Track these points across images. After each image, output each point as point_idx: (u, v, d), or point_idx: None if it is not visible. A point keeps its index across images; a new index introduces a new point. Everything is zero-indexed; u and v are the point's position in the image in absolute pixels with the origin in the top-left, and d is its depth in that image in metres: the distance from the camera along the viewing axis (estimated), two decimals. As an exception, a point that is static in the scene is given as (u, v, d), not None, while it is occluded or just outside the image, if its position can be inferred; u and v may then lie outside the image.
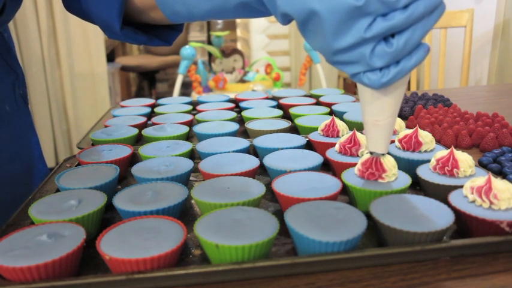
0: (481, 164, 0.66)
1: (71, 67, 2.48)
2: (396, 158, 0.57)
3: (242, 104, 0.95)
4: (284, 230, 0.45)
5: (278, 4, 0.38)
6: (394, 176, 0.52)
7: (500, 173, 0.63)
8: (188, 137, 0.81)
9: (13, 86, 0.68)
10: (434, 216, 0.43)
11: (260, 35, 2.88)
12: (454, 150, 0.54)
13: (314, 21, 0.37)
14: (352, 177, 0.53)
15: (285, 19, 0.40)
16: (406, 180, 0.52)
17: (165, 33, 0.59)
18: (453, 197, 0.47)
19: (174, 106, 0.98)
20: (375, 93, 0.40)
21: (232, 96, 1.06)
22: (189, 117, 0.87)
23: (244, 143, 0.69)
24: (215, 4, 0.44)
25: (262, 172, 0.65)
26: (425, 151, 0.61)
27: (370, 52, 0.36)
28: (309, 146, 0.69)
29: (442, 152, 0.55)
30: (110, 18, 0.52)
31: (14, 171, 0.67)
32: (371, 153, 0.45)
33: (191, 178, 0.64)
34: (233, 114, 0.88)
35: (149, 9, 0.52)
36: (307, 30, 0.39)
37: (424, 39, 0.38)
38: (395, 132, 0.69)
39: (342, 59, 0.38)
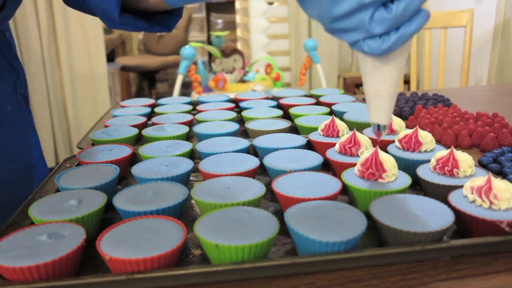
0: (481, 164, 0.66)
1: (71, 67, 2.48)
2: (396, 158, 0.57)
3: (242, 104, 0.95)
4: (284, 230, 0.45)
5: None
6: (394, 176, 0.52)
7: (500, 173, 0.63)
8: (188, 137, 0.81)
9: (14, 85, 0.68)
10: (434, 216, 0.43)
11: (260, 35, 2.88)
12: (454, 150, 0.54)
13: None
14: (352, 177, 0.53)
15: None
16: (406, 180, 0.52)
17: (164, 20, 0.59)
18: (453, 197, 0.47)
19: (174, 106, 0.98)
20: (376, 62, 0.40)
21: (232, 96, 1.06)
22: (189, 117, 0.87)
23: (244, 143, 0.69)
24: None
25: (262, 172, 0.65)
26: (425, 151, 0.61)
27: (369, 18, 0.36)
28: (309, 146, 0.69)
29: (442, 152, 0.55)
30: (109, 6, 0.52)
31: (14, 172, 0.67)
32: (374, 125, 0.44)
33: (191, 178, 0.64)
34: (233, 114, 0.88)
35: None
36: (307, 2, 0.38)
37: (423, 4, 0.37)
38: (395, 132, 0.69)
39: (341, 26, 0.37)
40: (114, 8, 0.52)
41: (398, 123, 0.70)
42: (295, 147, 0.65)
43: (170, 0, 0.50)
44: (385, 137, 0.68)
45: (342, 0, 0.36)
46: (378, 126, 0.45)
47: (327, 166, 0.63)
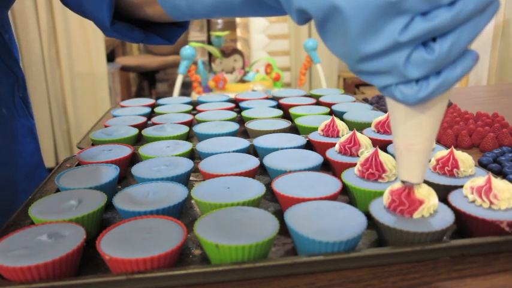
0: (481, 164, 0.66)
1: (71, 67, 2.48)
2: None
3: (242, 104, 0.95)
4: (284, 230, 0.45)
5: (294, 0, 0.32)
6: (394, 176, 0.52)
7: (500, 173, 0.63)
8: (188, 137, 0.81)
9: (12, 89, 0.66)
10: (434, 216, 0.43)
11: (260, 35, 2.88)
12: (454, 150, 0.54)
13: (336, 19, 0.30)
14: (352, 177, 0.53)
15: (301, 17, 0.33)
16: (406, 180, 0.52)
17: (166, 31, 0.54)
18: (453, 197, 0.47)
19: (174, 106, 0.98)
20: (410, 111, 0.34)
21: (232, 96, 1.06)
22: (189, 117, 0.87)
23: (244, 143, 0.69)
24: None
25: (262, 172, 0.65)
26: (425, 151, 0.61)
27: (405, 60, 0.30)
28: (309, 146, 0.69)
29: (442, 152, 0.55)
30: (100, 13, 0.48)
31: (10, 177, 0.66)
32: (403, 182, 0.38)
33: (191, 178, 0.64)
34: (233, 114, 0.88)
35: (146, 3, 0.49)
36: (327, 30, 0.32)
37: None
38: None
39: (369, 68, 0.31)
40: (105, 15, 0.48)
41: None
42: (295, 147, 0.65)
43: (172, 13, 0.46)
44: (385, 137, 0.68)
45: (373, 37, 0.30)
46: (409, 184, 0.38)
47: (327, 166, 0.63)
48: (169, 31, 0.54)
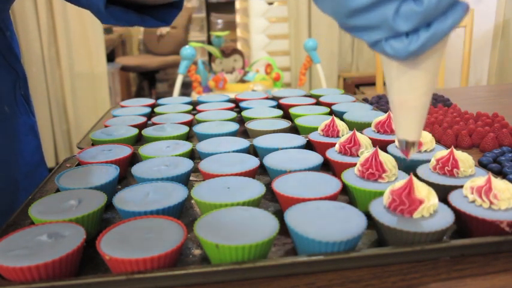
0: (481, 164, 0.66)
1: (71, 67, 2.48)
2: (396, 158, 0.57)
3: (242, 104, 0.95)
4: (284, 230, 0.45)
5: None
6: (394, 176, 0.52)
7: (500, 173, 0.63)
8: (188, 137, 0.81)
9: (14, 86, 0.66)
10: (434, 216, 0.43)
11: (260, 35, 2.88)
12: (454, 150, 0.54)
13: None
14: (352, 177, 0.53)
15: None
16: (406, 180, 0.52)
17: (160, 13, 0.53)
18: (453, 197, 0.47)
19: (174, 106, 0.98)
20: (403, 67, 0.33)
21: (232, 96, 1.06)
22: (189, 117, 0.87)
23: (244, 143, 0.69)
24: None
25: (262, 172, 0.65)
26: (425, 151, 0.61)
27: (394, 12, 0.29)
28: (309, 146, 0.69)
29: (442, 152, 0.55)
30: None
31: (11, 176, 0.66)
32: (400, 141, 0.37)
33: (191, 178, 0.64)
34: (233, 114, 0.87)
35: None
36: None
37: None
38: (395, 132, 0.69)
39: (359, 23, 0.31)
40: None
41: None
42: (295, 147, 0.65)
43: None
44: (385, 137, 0.68)
45: None
46: (406, 143, 0.37)
47: (327, 166, 0.63)
48: (164, 12, 0.53)
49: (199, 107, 0.95)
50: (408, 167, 0.59)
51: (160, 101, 1.03)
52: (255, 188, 0.51)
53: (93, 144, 0.75)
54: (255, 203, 0.49)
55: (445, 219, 0.43)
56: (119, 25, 0.52)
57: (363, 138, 0.61)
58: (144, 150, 0.68)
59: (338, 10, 0.31)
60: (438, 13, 0.30)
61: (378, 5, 0.30)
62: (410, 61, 0.32)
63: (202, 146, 0.68)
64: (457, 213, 0.45)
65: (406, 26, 0.30)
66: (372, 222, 0.44)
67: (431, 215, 0.43)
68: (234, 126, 0.78)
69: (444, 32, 0.30)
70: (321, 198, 0.48)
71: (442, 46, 0.33)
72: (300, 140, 0.69)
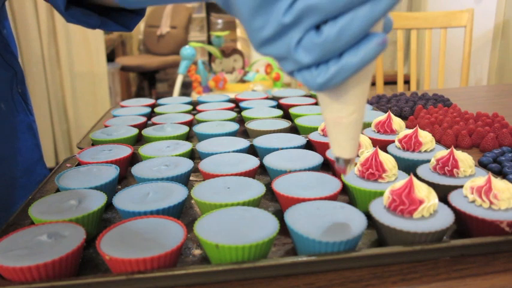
0: (481, 164, 0.66)
1: (71, 67, 2.48)
2: (396, 158, 0.57)
3: (242, 104, 0.95)
4: (284, 230, 0.45)
5: None
6: (394, 176, 0.52)
7: (500, 173, 0.63)
8: (188, 137, 0.81)
9: (11, 83, 0.66)
10: (434, 216, 0.43)
11: (260, 35, 2.88)
12: (454, 150, 0.54)
13: (231, 3, 0.30)
14: (352, 177, 0.53)
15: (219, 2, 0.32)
16: (406, 180, 0.52)
17: (124, 17, 0.53)
18: (453, 197, 0.47)
19: (174, 106, 0.98)
20: (331, 93, 0.32)
21: (232, 96, 1.06)
22: (189, 117, 0.87)
23: (244, 143, 0.69)
24: None
25: (262, 172, 0.65)
26: (425, 151, 0.61)
27: (295, 43, 0.28)
28: (309, 146, 0.69)
29: (442, 152, 0.55)
30: None
31: (9, 173, 0.66)
32: (336, 159, 0.36)
33: (191, 178, 0.64)
34: (233, 114, 0.88)
35: None
36: (232, 13, 0.31)
37: (375, 27, 0.28)
38: (395, 132, 0.69)
39: (270, 53, 0.30)
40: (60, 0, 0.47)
41: (398, 123, 0.70)
42: (295, 147, 0.65)
43: (123, 3, 0.44)
44: (385, 137, 0.68)
45: (263, 21, 0.29)
46: (343, 160, 0.36)
47: (327, 166, 0.63)
48: (127, 18, 0.53)
49: (199, 107, 0.95)
50: (408, 167, 0.59)
51: (160, 101, 1.03)
52: (255, 188, 0.51)
53: (93, 144, 0.75)
54: (255, 203, 0.49)
55: (445, 219, 0.43)
56: (80, 25, 0.51)
57: (363, 138, 0.61)
58: (144, 150, 0.68)
59: (252, 40, 0.30)
60: (346, 45, 0.28)
61: (282, 35, 0.29)
62: (331, 92, 0.31)
63: (202, 146, 0.68)
64: (457, 213, 0.45)
65: (307, 58, 0.29)
66: (371, 222, 0.44)
67: (431, 215, 0.43)
68: (234, 126, 0.78)
69: (354, 66, 0.28)
70: (321, 198, 0.48)
71: (368, 71, 0.31)
72: (300, 140, 0.69)
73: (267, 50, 0.30)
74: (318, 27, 0.28)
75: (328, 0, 0.26)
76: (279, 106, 0.96)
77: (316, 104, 0.95)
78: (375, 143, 0.66)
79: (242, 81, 2.63)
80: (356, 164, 0.37)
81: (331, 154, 0.61)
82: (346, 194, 0.55)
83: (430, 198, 0.43)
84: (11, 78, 0.66)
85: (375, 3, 0.26)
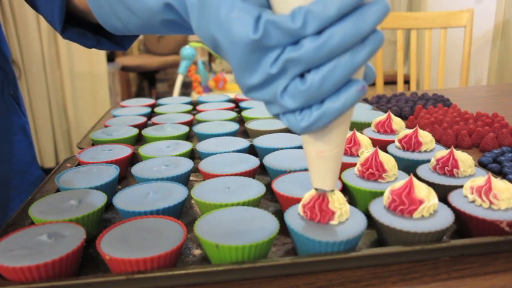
0: (481, 164, 0.66)
1: (71, 67, 2.48)
2: (396, 158, 0.57)
3: (242, 104, 0.95)
4: (284, 230, 0.45)
5: (193, 28, 0.34)
6: (394, 176, 0.52)
7: (500, 173, 0.63)
8: (188, 137, 0.81)
9: (1, 85, 0.66)
10: (434, 216, 0.43)
11: (260, 35, 2.88)
12: (454, 150, 0.54)
13: (220, 51, 0.32)
14: (352, 177, 0.53)
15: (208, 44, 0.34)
16: (406, 180, 0.52)
17: (118, 37, 0.53)
18: (453, 197, 0.47)
19: (174, 106, 0.98)
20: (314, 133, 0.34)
21: (232, 96, 1.06)
22: (189, 117, 0.87)
23: (244, 143, 0.69)
24: (143, 20, 0.40)
25: (262, 172, 0.65)
26: (425, 151, 0.61)
27: (282, 90, 0.30)
28: (309, 146, 0.69)
29: (442, 152, 0.55)
30: (52, 19, 0.48)
31: (1, 174, 0.65)
32: (316, 189, 0.38)
33: (191, 178, 0.64)
34: (233, 114, 0.88)
35: (91, 13, 0.47)
36: (222, 57, 0.33)
37: (356, 75, 0.30)
38: (395, 132, 0.69)
39: (257, 97, 0.32)
40: (56, 22, 0.48)
41: (398, 123, 0.70)
42: (295, 147, 0.65)
43: (113, 31, 0.45)
44: (385, 137, 0.68)
45: (251, 70, 0.31)
46: (323, 192, 0.38)
47: (327, 166, 0.63)
48: (122, 38, 0.53)
49: (199, 107, 0.95)
50: (408, 167, 0.59)
51: (160, 101, 1.03)
52: (255, 188, 0.51)
53: (93, 144, 0.75)
54: (255, 203, 0.49)
55: (445, 219, 0.43)
56: (78, 44, 0.52)
57: (363, 138, 0.61)
58: (144, 150, 0.68)
59: (240, 85, 0.32)
60: (326, 93, 0.29)
61: (267, 84, 0.31)
62: (314, 134, 0.33)
63: (202, 146, 0.68)
64: (457, 213, 0.45)
65: (292, 104, 0.30)
66: (371, 222, 0.44)
67: (431, 215, 0.43)
68: (234, 126, 0.78)
69: (335, 111, 0.30)
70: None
71: (344, 121, 0.33)
72: (300, 140, 0.69)
73: (254, 95, 0.32)
74: (302, 75, 0.30)
75: (310, 52, 0.28)
76: (279, 106, 0.96)
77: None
78: (375, 143, 0.66)
79: (242, 81, 2.62)
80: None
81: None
82: (346, 194, 0.55)
83: (430, 198, 0.43)
84: (1, 80, 0.66)
85: (354, 53, 0.28)
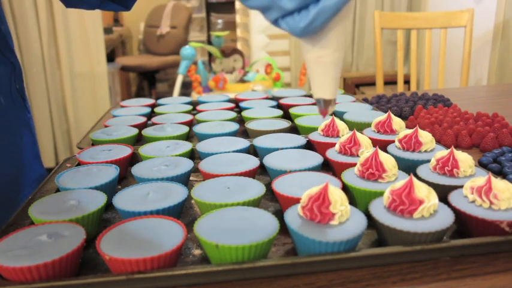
0: (481, 164, 0.66)
1: (71, 67, 2.48)
2: (396, 158, 0.57)
3: (242, 104, 0.95)
4: (284, 230, 0.45)
5: None
6: (394, 176, 0.52)
7: (500, 173, 0.63)
8: (188, 137, 0.81)
9: (10, 78, 0.66)
10: (434, 216, 0.43)
11: (260, 35, 2.88)
12: (454, 150, 0.54)
13: None
14: (352, 177, 0.53)
15: None
16: (406, 180, 0.52)
17: None
18: (453, 197, 0.47)
19: (174, 106, 0.98)
20: (312, 35, 0.35)
21: (232, 96, 1.06)
22: (189, 117, 0.87)
23: (244, 143, 0.69)
24: None
25: (262, 172, 0.65)
26: (425, 151, 0.61)
27: None
28: (309, 146, 0.69)
29: (442, 152, 0.55)
30: None
31: (4, 167, 0.66)
32: (318, 101, 0.38)
33: (191, 178, 0.64)
34: (233, 114, 0.88)
35: None
36: None
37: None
38: (395, 132, 0.69)
39: (255, 5, 0.33)
40: None
41: (398, 123, 0.70)
42: (295, 147, 0.65)
43: None
44: (385, 137, 0.68)
45: None
46: (323, 101, 0.38)
47: (327, 166, 0.63)
48: None
49: (199, 107, 0.95)
50: (408, 167, 0.59)
51: (160, 101, 1.03)
52: (255, 188, 0.51)
53: (93, 144, 0.75)
54: (255, 203, 0.49)
55: (445, 219, 0.43)
56: (80, 7, 0.52)
57: (363, 138, 0.61)
58: (144, 150, 0.68)
59: None
60: None
61: None
62: (313, 37, 0.34)
63: (202, 146, 0.68)
64: (457, 213, 0.45)
65: (291, 4, 0.32)
66: (372, 222, 0.44)
67: (431, 215, 0.43)
68: (234, 126, 0.78)
69: (332, 7, 0.31)
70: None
71: (341, 20, 0.33)
72: (300, 140, 0.69)
73: (252, 2, 0.33)
74: None
75: None
76: (279, 106, 0.96)
77: (316, 104, 0.95)
78: (375, 143, 0.66)
79: (242, 81, 2.63)
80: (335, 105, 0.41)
81: (331, 154, 0.61)
82: (346, 194, 0.55)
83: (430, 198, 0.43)
84: (9, 73, 0.66)
85: None
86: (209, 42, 4.06)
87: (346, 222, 0.42)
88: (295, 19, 0.32)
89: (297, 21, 0.32)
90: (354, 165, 0.55)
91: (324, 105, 0.39)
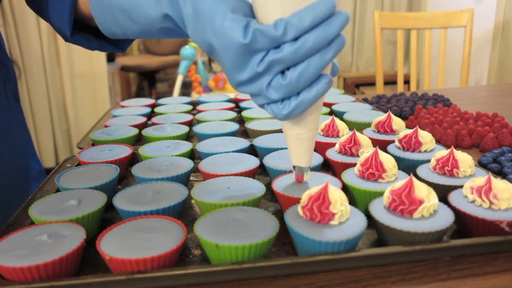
0: (481, 164, 0.66)
1: (71, 67, 2.48)
2: (396, 158, 0.57)
3: (242, 104, 0.95)
4: (284, 230, 0.45)
5: (189, 35, 0.40)
6: (394, 176, 0.52)
7: (500, 173, 0.63)
8: (188, 137, 0.81)
9: (4, 81, 0.67)
10: (434, 216, 0.43)
11: (260, 35, 2.88)
12: (454, 150, 0.54)
13: (215, 54, 0.39)
14: (352, 177, 0.53)
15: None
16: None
17: (117, 40, 0.58)
18: (453, 197, 0.47)
19: (174, 106, 0.98)
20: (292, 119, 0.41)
21: (232, 96, 1.06)
22: (189, 117, 0.87)
23: (244, 143, 0.69)
24: (142, 28, 0.45)
25: (262, 172, 0.65)
26: (425, 151, 0.61)
27: (267, 85, 0.38)
28: (309, 146, 0.69)
29: (442, 152, 0.55)
30: (62, 24, 0.52)
31: (2, 169, 0.66)
32: (294, 167, 0.46)
33: (191, 178, 0.64)
34: (233, 114, 0.88)
35: (93, 19, 0.53)
36: (215, 59, 0.40)
37: (325, 70, 0.38)
38: (395, 132, 0.69)
39: (245, 91, 0.39)
40: (66, 27, 0.52)
41: (398, 123, 0.70)
42: (295, 147, 0.65)
43: (112, 36, 0.50)
44: (385, 137, 0.68)
45: (241, 69, 0.38)
46: (299, 168, 0.46)
47: (327, 166, 0.63)
48: (120, 41, 0.58)
49: (199, 107, 0.95)
50: (408, 167, 0.59)
51: (160, 101, 1.03)
52: (255, 188, 0.51)
53: (93, 144, 0.75)
54: (255, 203, 0.49)
55: (445, 219, 0.43)
56: (81, 46, 0.57)
57: (363, 138, 0.61)
58: (144, 150, 0.68)
59: (230, 81, 0.40)
60: (302, 85, 0.37)
61: (255, 80, 0.38)
62: (293, 119, 0.41)
63: (202, 146, 0.68)
64: (457, 213, 0.45)
65: (276, 95, 0.38)
66: (372, 222, 0.44)
67: (431, 215, 0.43)
68: (234, 126, 0.78)
69: (310, 100, 0.38)
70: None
71: (317, 108, 0.41)
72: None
73: (244, 89, 0.39)
74: (283, 72, 0.37)
75: (289, 54, 0.35)
76: (279, 106, 0.96)
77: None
78: (375, 143, 0.66)
79: (242, 81, 2.62)
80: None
81: (331, 154, 0.61)
82: (346, 194, 0.55)
83: (430, 198, 0.43)
84: (4, 76, 0.67)
85: (323, 54, 0.36)
86: (209, 42, 4.05)
87: (346, 222, 0.42)
88: (279, 107, 0.38)
89: (280, 109, 0.38)
90: (354, 165, 0.55)
91: (300, 172, 0.47)
